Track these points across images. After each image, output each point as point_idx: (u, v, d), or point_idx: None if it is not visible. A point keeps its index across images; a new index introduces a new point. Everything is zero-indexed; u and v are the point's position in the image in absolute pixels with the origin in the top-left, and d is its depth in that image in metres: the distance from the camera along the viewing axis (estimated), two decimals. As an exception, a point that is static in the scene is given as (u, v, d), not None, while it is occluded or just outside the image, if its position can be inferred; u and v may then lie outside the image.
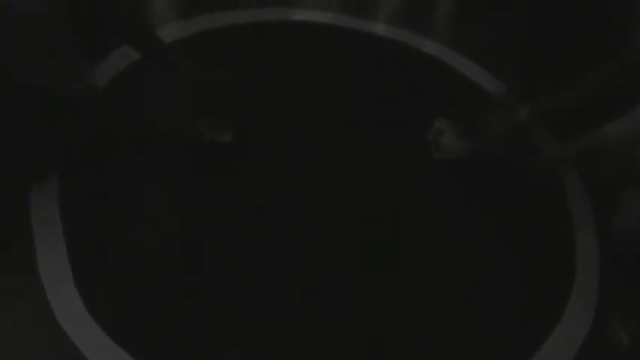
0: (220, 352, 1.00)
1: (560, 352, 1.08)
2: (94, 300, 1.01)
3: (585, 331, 1.12)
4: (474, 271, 1.18)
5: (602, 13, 1.21)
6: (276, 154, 1.31)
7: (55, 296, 1.01)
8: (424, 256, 1.19)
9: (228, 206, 1.20)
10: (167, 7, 1.63)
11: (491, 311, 1.13)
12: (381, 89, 1.51)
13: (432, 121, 1.36)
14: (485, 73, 1.60)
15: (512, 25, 1.65)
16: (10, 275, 1.03)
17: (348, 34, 1.65)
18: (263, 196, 1.23)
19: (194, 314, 1.03)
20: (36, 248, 1.06)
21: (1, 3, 0.87)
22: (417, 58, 1.64)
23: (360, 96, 1.48)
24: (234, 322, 1.03)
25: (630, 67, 1.06)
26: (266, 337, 1.02)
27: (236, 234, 1.15)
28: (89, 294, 1.02)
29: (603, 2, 1.22)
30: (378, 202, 1.26)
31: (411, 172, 1.34)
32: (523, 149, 1.25)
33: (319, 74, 1.51)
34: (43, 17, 0.91)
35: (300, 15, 1.67)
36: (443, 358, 1.05)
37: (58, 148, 1.15)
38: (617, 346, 1.10)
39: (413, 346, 1.05)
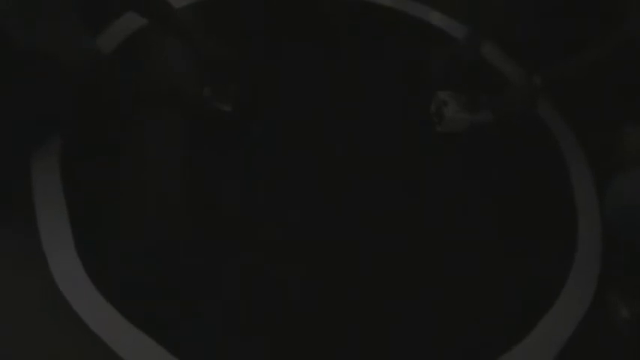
0: (219, 318, 1.00)
1: (561, 325, 1.09)
2: (95, 266, 1.01)
3: (586, 306, 1.11)
4: (477, 245, 1.18)
5: None
6: (280, 124, 1.31)
7: (55, 263, 1.01)
8: (428, 238, 1.18)
9: (228, 177, 1.19)
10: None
11: (493, 287, 1.13)
12: (386, 60, 1.50)
13: (434, 93, 1.34)
14: (487, 43, 1.57)
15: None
16: (10, 241, 1.03)
17: (355, 5, 1.62)
18: (263, 169, 1.22)
19: (195, 282, 1.03)
20: (37, 214, 1.06)
21: None
22: (421, 28, 1.61)
23: (365, 67, 1.47)
24: (232, 297, 1.03)
25: (632, 35, 1.12)
26: (266, 316, 1.02)
27: (235, 208, 1.15)
28: (90, 260, 1.02)
29: None
30: (381, 183, 1.25)
31: (415, 147, 1.33)
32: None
33: (325, 44, 1.49)
34: None
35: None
36: (447, 329, 1.06)
37: (59, 109, 1.14)
38: (617, 321, 1.10)
39: (417, 321, 1.05)
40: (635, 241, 1.02)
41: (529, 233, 1.22)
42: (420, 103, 1.37)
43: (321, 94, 1.39)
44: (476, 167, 1.33)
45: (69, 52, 1.01)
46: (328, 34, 1.52)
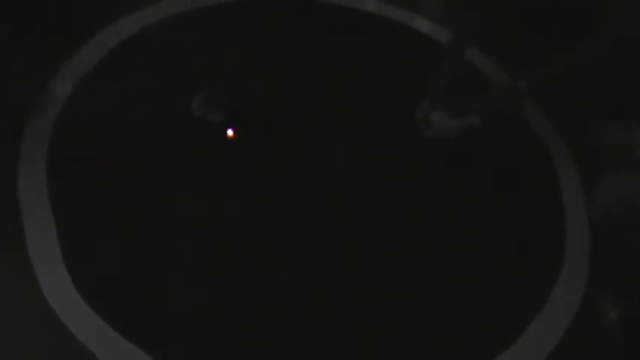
0: (212, 329, 1.00)
1: (551, 328, 1.09)
2: (83, 277, 1.00)
3: (575, 309, 1.12)
4: (477, 245, 1.19)
5: None
6: (280, 124, 1.30)
7: (43, 274, 1.00)
8: (428, 238, 1.19)
9: (227, 178, 1.19)
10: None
11: (485, 291, 1.13)
12: (373, 67, 1.49)
13: (422, 99, 1.34)
14: (475, 50, 1.58)
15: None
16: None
17: (341, 12, 1.62)
18: (263, 169, 1.22)
19: (182, 292, 1.03)
20: (24, 226, 1.05)
21: None
22: (407, 35, 1.61)
23: (354, 74, 1.46)
24: (225, 307, 1.03)
25: (606, 42, 1.14)
26: (266, 316, 1.03)
27: (223, 211, 1.15)
28: (77, 271, 1.01)
29: None
30: (381, 183, 1.26)
31: (415, 147, 1.33)
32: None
33: (313, 52, 1.48)
34: None
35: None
36: (447, 329, 1.06)
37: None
38: (606, 322, 1.11)
39: (417, 321, 1.06)
40: (621, 240, 1.03)
41: (520, 235, 1.23)
42: (420, 103, 1.37)
43: (321, 94, 1.39)
44: (473, 170, 1.33)
45: None
46: (316, 42, 1.51)
